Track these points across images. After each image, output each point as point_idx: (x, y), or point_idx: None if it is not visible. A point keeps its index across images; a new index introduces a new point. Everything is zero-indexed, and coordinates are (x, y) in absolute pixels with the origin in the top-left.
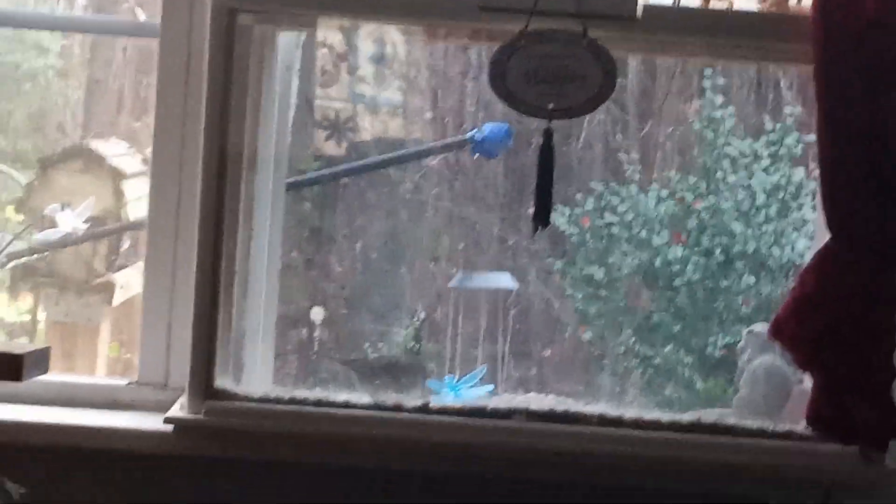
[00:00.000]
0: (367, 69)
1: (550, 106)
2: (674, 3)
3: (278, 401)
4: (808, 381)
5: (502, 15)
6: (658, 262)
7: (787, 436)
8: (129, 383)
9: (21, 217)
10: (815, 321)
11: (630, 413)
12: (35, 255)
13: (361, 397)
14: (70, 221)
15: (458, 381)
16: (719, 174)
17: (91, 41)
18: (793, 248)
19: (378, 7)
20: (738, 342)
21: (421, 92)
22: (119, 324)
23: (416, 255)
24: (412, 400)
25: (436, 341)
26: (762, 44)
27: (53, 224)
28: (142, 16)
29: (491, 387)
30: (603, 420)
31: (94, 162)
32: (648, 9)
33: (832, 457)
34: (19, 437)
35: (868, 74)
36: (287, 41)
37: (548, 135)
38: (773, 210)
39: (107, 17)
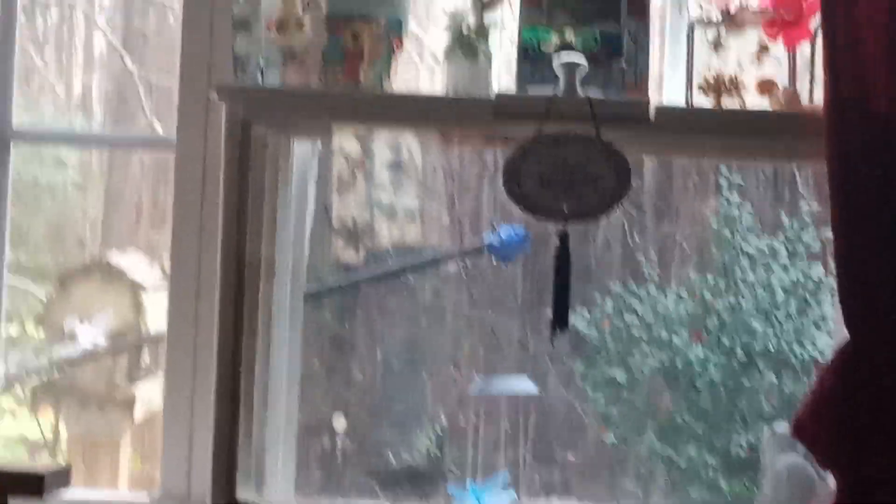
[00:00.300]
0: (383, 176)
1: (565, 209)
2: (686, 104)
3: None
4: (831, 481)
5: (516, 120)
6: (679, 363)
7: None
8: (151, 497)
9: (41, 332)
10: (836, 419)
11: None
12: (55, 371)
13: None
14: (90, 336)
15: (480, 486)
16: (738, 272)
17: (109, 154)
18: (814, 345)
19: (392, 114)
20: (762, 442)
21: (438, 197)
22: (141, 437)
23: (437, 361)
24: None
25: (457, 447)
26: (775, 142)
27: (73, 339)
28: (159, 127)
29: (513, 492)
30: None
31: (113, 275)
32: (661, 110)
33: None
34: None
35: (881, 170)
36: (303, 150)
37: (563, 238)
38: (792, 307)
39: (123, 132)
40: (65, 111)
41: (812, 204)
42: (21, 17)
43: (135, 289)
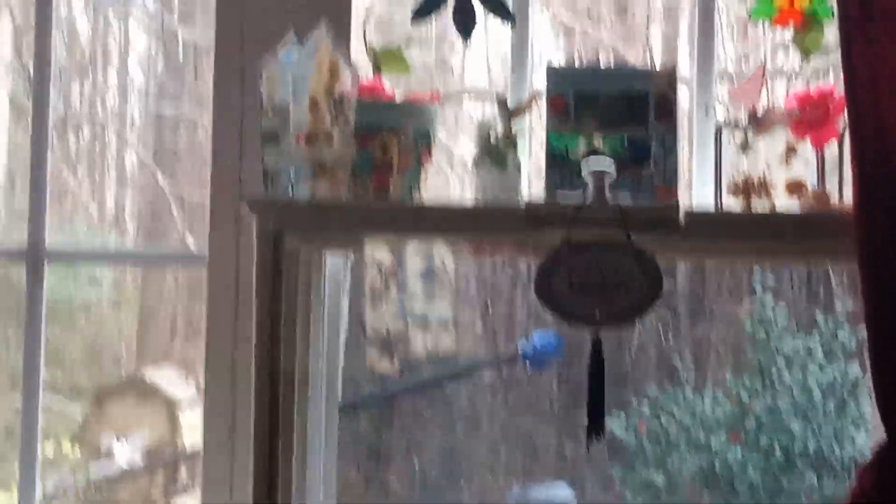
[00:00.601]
0: (416, 285)
1: (598, 315)
2: (716, 207)
3: None
4: None
5: (546, 227)
6: (718, 465)
7: None
8: None
9: (77, 451)
10: None
11: None
12: (93, 490)
13: None
14: (126, 453)
15: None
16: (774, 373)
17: (142, 271)
18: (853, 445)
19: (422, 224)
20: None
21: (471, 305)
22: None
23: (474, 469)
24: None
25: None
26: (807, 243)
27: (110, 457)
28: (191, 242)
29: None
30: None
31: (149, 392)
32: (690, 215)
33: None
34: None
35: None
36: (335, 262)
37: (597, 344)
38: (830, 407)
39: (156, 248)
40: (98, 229)
41: (847, 302)
42: (53, 137)
43: (170, 405)
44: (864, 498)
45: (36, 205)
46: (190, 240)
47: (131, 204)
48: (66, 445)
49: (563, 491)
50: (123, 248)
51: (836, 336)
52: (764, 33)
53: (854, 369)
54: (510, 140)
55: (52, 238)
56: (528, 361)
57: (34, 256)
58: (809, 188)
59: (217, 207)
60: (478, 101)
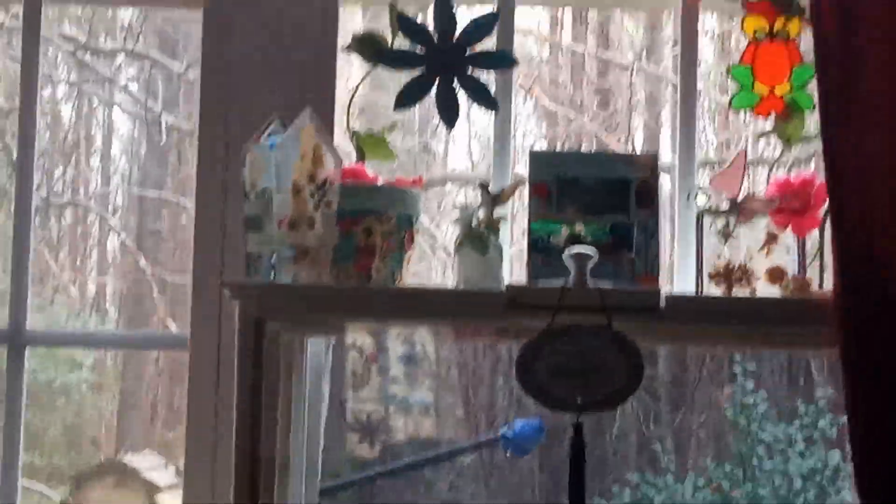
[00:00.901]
0: (397, 370)
1: (579, 400)
2: (696, 292)
3: None
4: None
5: (527, 312)
6: None
7: None
8: None
9: None
10: None
11: None
12: None
13: None
14: None
15: None
16: (755, 460)
17: (123, 354)
18: None
19: (404, 309)
20: None
21: (452, 390)
22: None
23: None
24: None
25: None
26: (787, 330)
27: None
28: (172, 325)
29: None
30: None
31: (129, 476)
32: (671, 299)
33: None
34: None
35: (893, 354)
36: (316, 346)
37: (578, 430)
38: (811, 495)
39: (137, 331)
40: (79, 312)
41: (827, 389)
42: (35, 220)
43: (149, 489)
44: None
45: (17, 287)
46: (171, 323)
47: (112, 287)
48: None
49: None
50: (104, 331)
51: (817, 423)
52: (745, 121)
53: (835, 457)
54: (492, 225)
55: (33, 321)
56: (509, 446)
57: (15, 339)
58: (790, 275)
59: (199, 291)
60: (460, 185)
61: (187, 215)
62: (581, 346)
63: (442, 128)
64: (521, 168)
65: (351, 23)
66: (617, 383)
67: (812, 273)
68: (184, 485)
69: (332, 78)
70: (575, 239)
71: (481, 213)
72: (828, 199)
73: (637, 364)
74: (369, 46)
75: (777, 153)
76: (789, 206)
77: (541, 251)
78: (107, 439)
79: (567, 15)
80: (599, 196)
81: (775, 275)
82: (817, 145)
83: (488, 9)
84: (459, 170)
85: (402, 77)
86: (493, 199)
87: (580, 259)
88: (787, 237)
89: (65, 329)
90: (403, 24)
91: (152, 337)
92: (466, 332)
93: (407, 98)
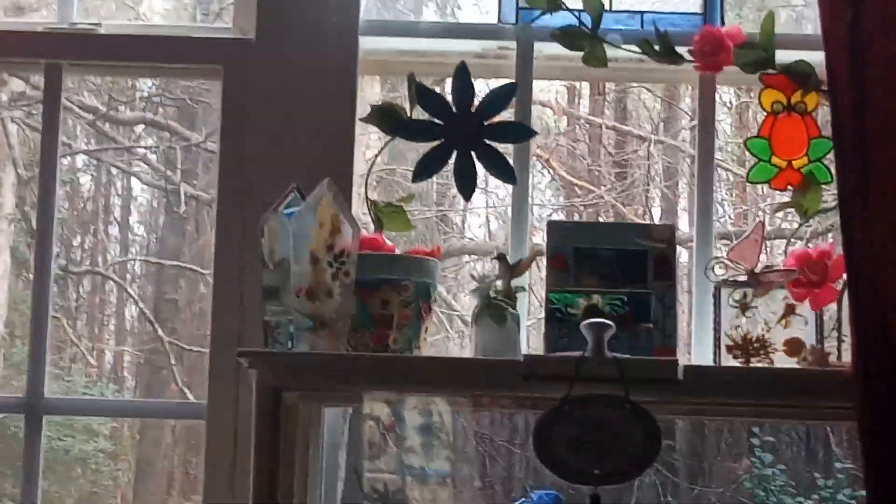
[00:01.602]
0: (414, 440)
1: (596, 472)
2: (714, 362)
3: None
4: None
5: (545, 382)
6: None
7: None
8: None
9: None
10: None
11: None
12: None
13: None
14: None
15: None
16: None
17: (140, 423)
18: None
19: (421, 379)
20: None
21: (469, 461)
22: None
23: None
24: None
25: None
26: (806, 402)
27: None
28: (189, 394)
29: None
30: None
31: None
32: (689, 370)
33: None
34: None
35: None
36: (333, 416)
37: (596, 501)
38: None
39: (155, 400)
40: (96, 380)
41: (846, 463)
42: (54, 289)
43: None
44: None
45: (35, 356)
46: (188, 392)
47: (130, 356)
48: None
49: None
50: (121, 400)
51: (836, 497)
52: (762, 193)
53: None
54: (510, 296)
55: (51, 390)
56: None
57: (32, 408)
58: (808, 346)
59: (216, 360)
60: (478, 257)
61: (205, 284)
62: (598, 416)
63: (459, 198)
64: (539, 239)
65: (370, 93)
66: (634, 455)
67: (830, 344)
68: None
69: (350, 148)
70: (593, 310)
71: (499, 284)
72: (845, 274)
73: (654, 435)
74: (388, 117)
75: (795, 226)
76: (807, 278)
77: (558, 322)
78: None
79: (584, 87)
80: (617, 267)
81: (793, 347)
82: (835, 218)
83: (506, 80)
84: (477, 240)
85: (421, 147)
86: (511, 270)
87: (598, 329)
88: (805, 309)
89: (82, 398)
90: (422, 95)
91: (169, 406)
92: (484, 402)
93: (425, 169)
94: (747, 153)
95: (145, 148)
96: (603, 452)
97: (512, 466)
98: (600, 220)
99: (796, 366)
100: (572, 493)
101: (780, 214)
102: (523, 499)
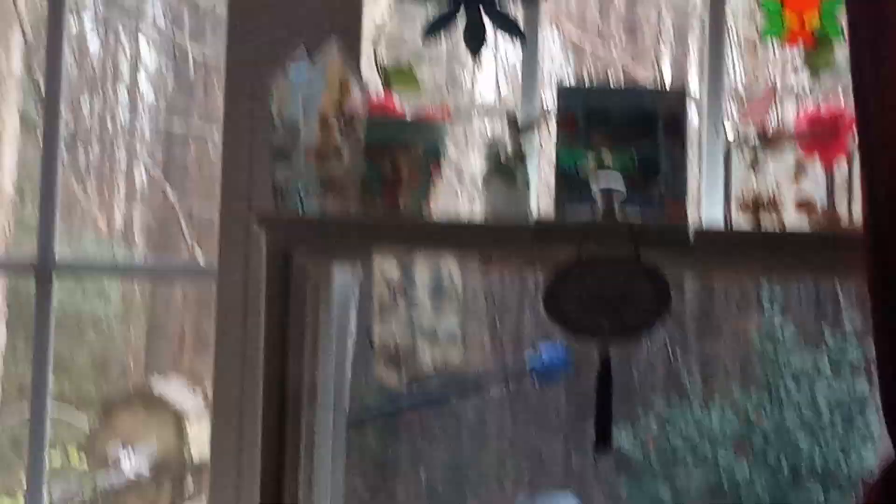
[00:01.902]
0: (424, 300)
1: (606, 330)
2: (725, 223)
3: None
4: None
5: (555, 243)
6: (725, 480)
7: None
8: None
9: (84, 461)
10: None
11: None
12: (99, 500)
13: None
14: (133, 464)
15: None
16: (781, 389)
17: (151, 285)
18: (860, 461)
19: (431, 239)
20: None
21: (479, 320)
22: None
23: (481, 482)
24: None
25: None
26: (816, 261)
27: (117, 467)
28: (200, 256)
29: None
30: None
31: (156, 404)
32: (700, 233)
33: None
34: None
35: None
36: (343, 276)
37: (605, 361)
38: (837, 423)
39: (165, 262)
40: (107, 243)
41: (854, 319)
42: (63, 151)
43: (177, 416)
44: None
45: (45, 218)
46: (199, 253)
47: (140, 218)
48: (74, 455)
49: (569, 501)
50: (132, 262)
51: (844, 352)
52: (774, 52)
53: (861, 385)
54: (520, 157)
55: (61, 251)
56: (536, 376)
57: (43, 269)
58: (819, 206)
59: (226, 222)
60: (487, 117)
61: (213, 147)
62: (609, 277)
63: (470, 59)
64: (548, 99)
65: None
66: (644, 314)
67: (841, 203)
68: (212, 414)
69: (358, 9)
70: (602, 168)
71: (509, 145)
72: (856, 130)
73: (664, 294)
74: None
75: (806, 84)
76: (818, 136)
77: (568, 182)
78: (135, 367)
79: None
80: (627, 127)
81: (804, 205)
82: (847, 76)
83: None
84: (487, 101)
85: (429, 10)
86: (521, 131)
87: (608, 191)
88: (816, 168)
89: (93, 259)
90: None
91: (180, 267)
92: (494, 263)
93: (434, 28)
94: (759, 11)
95: (154, 12)
96: (613, 311)
97: (521, 326)
98: (610, 81)
99: (806, 227)
100: (582, 350)
101: (791, 73)
102: (533, 354)
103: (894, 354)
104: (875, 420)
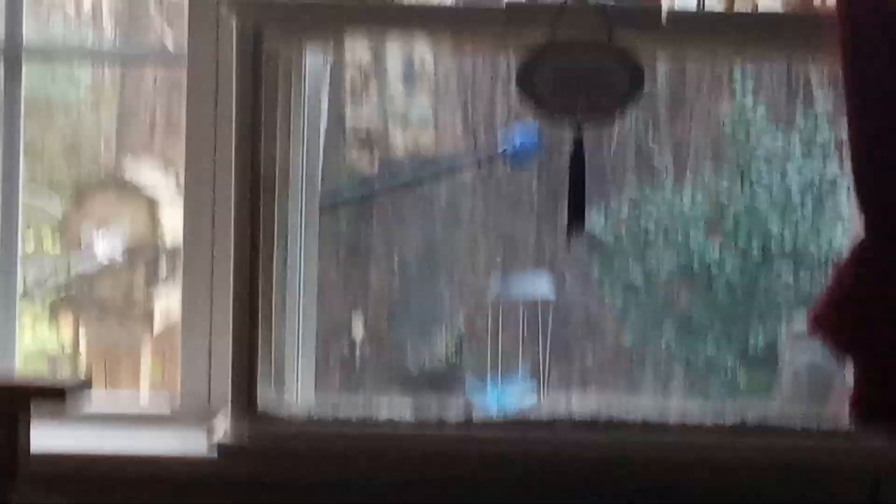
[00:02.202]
0: (396, 85)
1: (579, 113)
2: (698, 7)
3: (321, 421)
4: (850, 377)
5: (527, 26)
6: (696, 263)
7: (832, 433)
8: (171, 405)
9: (58, 246)
10: (854, 314)
11: (673, 417)
12: (74, 284)
13: (404, 413)
14: (107, 249)
15: (499, 389)
16: (753, 172)
17: (121, 71)
18: (830, 243)
19: (403, 22)
20: (779, 339)
21: (451, 105)
22: (160, 347)
23: (454, 266)
24: (455, 413)
25: (476, 351)
26: (788, 43)
27: (91, 252)
28: (170, 40)
29: (532, 393)
30: (646, 426)
31: (129, 189)
32: (672, 14)
33: (878, 451)
34: (63, 465)
35: (894, 64)
36: (315, 61)
37: (578, 143)
38: (808, 205)
39: (135, 47)
40: (75, 27)
41: (826, 101)
42: None
43: (150, 200)
44: (842, 293)
45: (12, 2)
46: (169, 39)
47: (109, 1)
48: (47, 241)
49: (543, 282)
50: (102, 47)
51: (815, 134)
52: None
53: (832, 168)
54: None
55: (29, 36)
56: (508, 157)
57: (12, 52)
58: None
59: (196, 6)
60: None
61: None
62: (582, 60)
63: None
64: None
65: None
66: (616, 98)
67: None
68: (184, 200)
69: None
70: None
71: None
72: None
73: (637, 76)
74: None
75: None
76: None
77: None
78: (106, 154)
79: None
80: None
81: None
82: None
83: None
84: None
85: None
86: None
87: None
88: None
89: (62, 44)
90: None
91: (150, 52)
92: (466, 46)
93: None
94: None
95: None
96: (586, 93)
97: (494, 110)
98: None
99: (780, 6)
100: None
101: None
102: (506, 140)
103: (868, 135)
104: (845, 201)
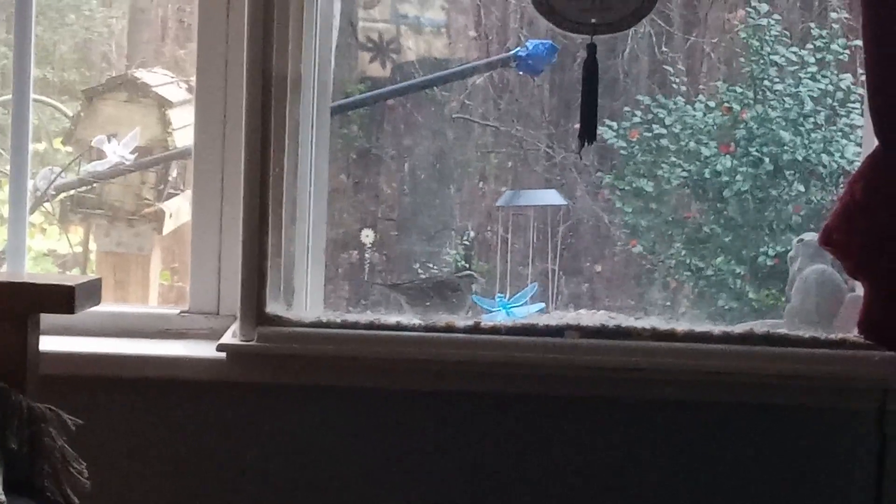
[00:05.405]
0: None
1: (593, 21)
2: None
3: (330, 325)
4: (859, 289)
5: None
6: (707, 173)
7: (840, 344)
8: (180, 312)
9: (68, 149)
10: (865, 228)
11: (682, 326)
12: (84, 187)
13: (412, 319)
14: (117, 152)
15: (508, 299)
16: (766, 83)
17: None
18: (842, 155)
19: None
20: (789, 251)
21: (464, 10)
22: (170, 252)
23: (464, 175)
24: (463, 320)
25: (486, 260)
26: None
27: (101, 155)
28: None
29: (542, 304)
30: (655, 334)
31: (140, 91)
32: None
33: (886, 364)
34: (72, 368)
35: None
36: None
37: (591, 50)
38: (821, 117)
39: None
40: None
41: (842, 13)
42: None
43: (161, 104)
44: (855, 205)
45: None
46: None
47: None
48: (57, 144)
49: (552, 196)
50: None
51: (830, 47)
52: None
53: (846, 80)
54: None
55: None
56: (521, 65)
57: None
58: None
59: None
60: None
61: None
62: None
63: None
64: None
65: None
66: (631, 5)
67: None
68: (195, 101)
69: None
70: None
71: None
72: None
73: None
74: None
75: None
76: None
77: None
78: (117, 56)
79: None
80: None
81: None
82: None
83: None
84: None
85: None
86: None
87: None
88: None
89: None
90: None
91: None
92: None
93: None
94: None
95: None
96: (599, 2)
97: (507, 17)
98: None
99: None
100: (566, 42)
101: None
102: (518, 48)
103: (884, 48)
104: (857, 115)
